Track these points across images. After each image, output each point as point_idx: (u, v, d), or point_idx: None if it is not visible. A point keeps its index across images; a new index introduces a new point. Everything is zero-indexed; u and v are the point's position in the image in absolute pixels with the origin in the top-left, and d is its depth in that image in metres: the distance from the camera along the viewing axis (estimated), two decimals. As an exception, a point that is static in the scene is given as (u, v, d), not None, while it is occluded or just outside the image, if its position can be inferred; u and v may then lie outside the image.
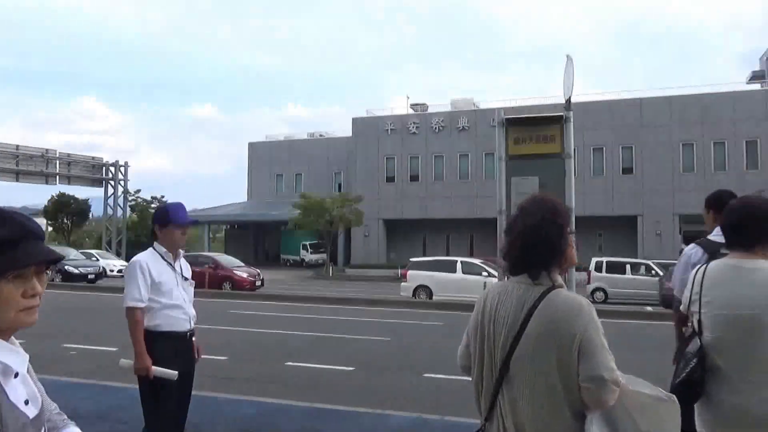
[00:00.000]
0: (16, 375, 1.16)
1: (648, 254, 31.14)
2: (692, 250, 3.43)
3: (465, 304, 16.63)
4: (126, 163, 39.13)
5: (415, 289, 18.97)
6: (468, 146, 36.60)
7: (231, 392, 6.39)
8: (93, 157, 38.20)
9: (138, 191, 43.44)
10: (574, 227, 1.99)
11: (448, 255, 31.50)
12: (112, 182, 38.45)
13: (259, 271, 23.21)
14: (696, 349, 2.38)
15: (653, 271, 20.07)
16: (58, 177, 35.41)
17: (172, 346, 3.54)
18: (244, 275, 21.76)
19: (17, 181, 33.49)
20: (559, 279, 1.94)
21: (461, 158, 37.04)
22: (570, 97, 5.12)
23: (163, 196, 42.65)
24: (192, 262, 3.99)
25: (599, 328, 1.84)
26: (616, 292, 19.93)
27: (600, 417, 1.83)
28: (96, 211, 45.32)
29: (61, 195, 42.48)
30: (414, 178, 38.06)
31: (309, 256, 40.32)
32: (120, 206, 39.18)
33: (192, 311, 3.71)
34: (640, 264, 21.50)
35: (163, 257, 3.63)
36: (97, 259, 29.58)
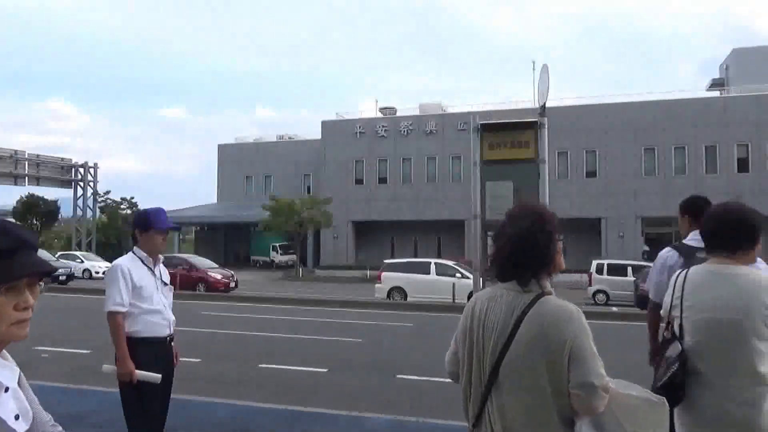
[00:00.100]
0: (7, 389, 1.14)
1: (611, 256, 31.98)
2: (668, 253, 3.45)
3: (435, 305, 16.99)
4: (95, 164, 38.80)
5: (390, 291, 18.98)
6: (436, 149, 37.09)
7: (203, 394, 6.32)
8: (62, 158, 37.82)
9: (107, 192, 42.97)
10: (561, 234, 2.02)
11: (416, 256, 31.90)
12: (82, 183, 38.03)
13: (233, 272, 23.21)
14: (677, 353, 2.40)
15: None
16: (27, 178, 35.11)
17: (152, 352, 3.52)
18: (218, 277, 21.76)
19: (-14, 182, 33.09)
20: (548, 285, 1.95)
21: (429, 161, 37.48)
22: (545, 104, 5.31)
23: (132, 198, 42.34)
24: (165, 263, 3.91)
25: (589, 335, 1.84)
26: (618, 294, 19.99)
27: (589, 422, 1.84)
28: (65, 212, 44.69)
29: (30, 196, 42.04)
30: (383, 180, 38.40)
31: (279, 258, 40.36)
32: (89, 207, 38.84)
33: (171, 316, 3.71)
34: (642, 266, 21.69)
35: (143, 262, 3.61)
36: (82, 261, 29.29)
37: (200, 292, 20.15)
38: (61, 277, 23.96)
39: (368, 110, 42.47)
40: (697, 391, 2.34)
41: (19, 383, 1.19)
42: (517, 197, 4.59)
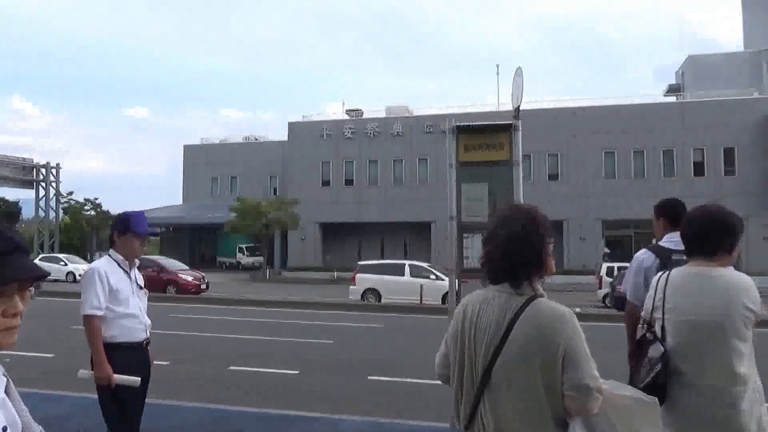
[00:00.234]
0: None
1: (573, 257, 32.76)
2: (644, 255, 3.48)
3: (404, 306, 17.09)
4: (58, 164, 37.93)
5: (364, 292, 18.90)
6: (402, 152, 37.34)
7: (174, 398, 6.19)
8: (24, 158, 36.92)
9: (71, 193, 41.89)
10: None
11: (383, 258, 32.05)
12: (44, 184, 37.16)
13: (204, 274, 22.91)
14: (660, 354, 2.42)
15: None
16: (-14, 178, 34.05)
17: (128, 357, 3.49)
18: (189, 279, 21.47)
19: (-54, 182, 32.05)
20: (540, 288, 1.96)
21: (396, 163, 37.71)
22: (519, 106, 5.42)
23: (96, 199, 41.31)
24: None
25: (582, 337, 1.85)
26: None
27: (581, 423, 1.85)
28: (27, 213, 43.54)
29: (-10, 196, 40.63)
30: (349, 182, 38.48)
31: (245, 259, 40.15)
32: (52, 208, 37.93)
33: (147, 320, 3.68)
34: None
35: (119, 265, 3.58)
36: (66, 264, 28.56)
37: (170, 294, 19.87)
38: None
39: (335, 112, 42.52)
40: (679, 392, 2.37)
41: (7, 392, 1.13)
42: (492, 199, 4.66)
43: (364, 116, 39.92)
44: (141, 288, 3.71)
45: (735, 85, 36.04)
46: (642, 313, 2.74)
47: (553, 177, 35.58)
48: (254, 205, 33.19)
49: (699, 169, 33.82)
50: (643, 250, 3.52)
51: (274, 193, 40.20)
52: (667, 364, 2.39)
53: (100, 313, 3.42)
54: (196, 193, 44.11)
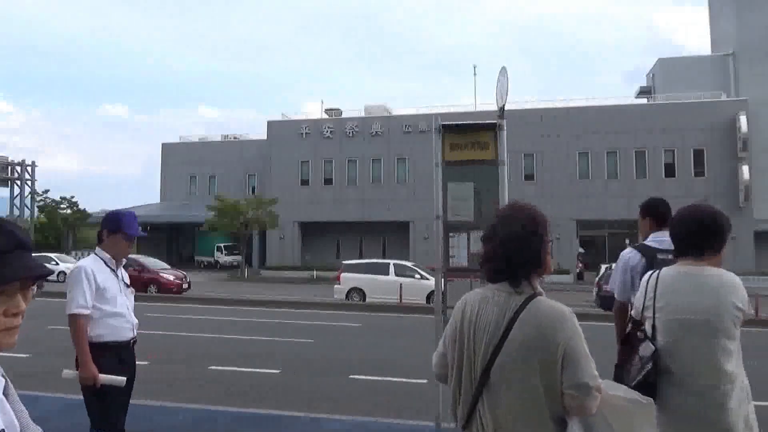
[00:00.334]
0: None
1: (548, 256, 33.24)
2: (630, 254, 3.49)
3: (384, 305, 17.12)
4: (33, 162, 37.49)
5: (349, 292, 18.85)
6: (381, 151, 37.60)
7: (153, 398, 6.04)
8: (-2, 156, 36.28)
9: (46, 191, 41.40)
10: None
11: (361, 257, 32.23)
12: (19, 182, 36.65)
13: (185, 273, 22.75)
14: (650, 353, 2.43)
15: None
16: (-40, 176, 33.50)
17: (115, 356, 3.45)
18: (171, 278, 21.30)
19: None
20: (539, 286, 1.96)
21: (374, 163, 37.95)
22: (504, 106, 5.29)
23: (73, 197, 40.83)
24: (115, 265, 3.70)
25: (582, 336, 1.85)
26: None
27: (579, 423, 1.86)
28: (2, 211, 42.72)
29: (-35, 195, 39.86)
30: (328, 181, 38.62)
31: (223, 258, 40.04)
32: (27, 207, 37.46)
33: (134, 319, 3.63)
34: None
35: (106, 264, 3.53)
36: (57, 263, 28.17)
37: (151, 294, 19.74)
38: None
39: (313, 111, 42.65)
40: (669, 390, 2.38)
41: (5, 393, 1.10)
42: (477, 199, 4.72)
43: (343, 116, 40.14)
44: (128, 287, 3.67)
45: (703, 87, 37.08)
46: (632, 312, 2.76)
47: (528, 177, 36.08)
48: (233, 204, 33.16)
49: (670, 170, 34.57)
50: (629, 249, 3.56)
51: (253, 191, 40.14)
52: (657, 363, 2.41)
53: (86, 312, 3.36)
54: (174, 192, 43.82)
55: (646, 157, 34.94)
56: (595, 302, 17.47)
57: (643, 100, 40.28)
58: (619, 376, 2.56)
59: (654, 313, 2.49)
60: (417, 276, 18.78)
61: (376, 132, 37.85)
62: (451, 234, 4.82)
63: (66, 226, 40.38)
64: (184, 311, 15.45)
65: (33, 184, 37.73)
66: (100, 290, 3.41)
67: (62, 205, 40.78)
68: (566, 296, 21.70)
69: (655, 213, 3.58)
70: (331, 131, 38.58)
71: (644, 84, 46.10)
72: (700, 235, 2.49)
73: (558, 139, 35.16)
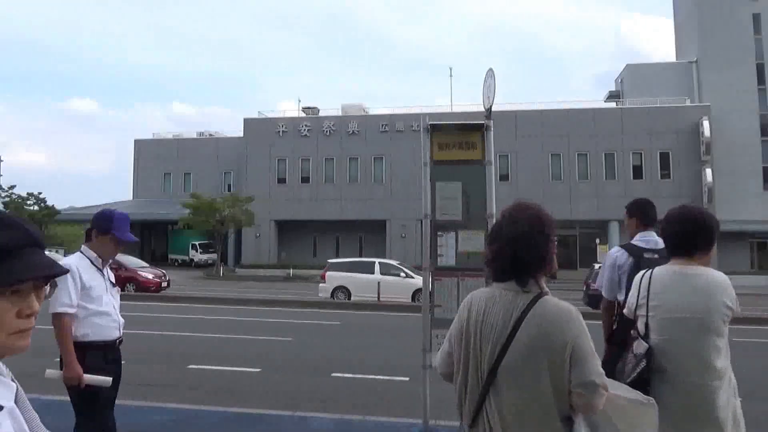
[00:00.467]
0: (1, 408, 1.00)
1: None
2: (617, 253, 3.52)
3: (362, 304, 17.15)
4: (-2, 157, 36.62)
5: (334, 290, 18.80)
6: (358, 150, 37.83)
7: (132, 398, 5.83)
8: (-40, 151, 35.52)
9: (12, 187, 40.60)
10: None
11: (338, 256, 32.48)
12: (-17, 177, 35.87)
13: (164, 272, 22.58)
14: (645, 350, 2.47)
15: None
16: None
17: (102, 356, 3.40)
18: (149, 276, 21.15)
19: None
20: (545, 286, 1.96)
21: (351, 161, 38.17)
22: (491, 107, 5.35)
23: (41, 193, 40.19)
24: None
25: (588, 335, 1.86)
26: None
27: (584, 422, 1.86)
28: (-34, 207, 41.78)
29: (-73, 190, 38.97)
30: (305, 179, 38.70)
31: (198, 256, 39.80)
32: (-8, 203, 36.68)
33: (121, 319, 3.57)
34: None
35: (92, 262, 3.47)
36: None
37: (129, 293, 19.43)
38: None
39: (289, 110, 42.74)
40: (661, 387, 2.41)
41: (16, 401, 1.06)
42: (465, 198, 4.76)
43: (321, 114, 40.29)
44: (114, 286, 3.63)
45: (669, 93, 38.22)
46: (624, 311, 2.80)
47: (503, 177, 36.65)
48: (209, 202, 33.06)
49: (637, 172, 35.53)
50: (616, 248, 3.63)
51: (229, 189, 40.08)
52: (651, 361, 2.45)
53: (71, 311, 3.29)
54: (147, 189, 43.44)
55: (615, 159, 35.83)
56: (583, 300, 17.73)
57: (613, 104, 41.31)
58: (607, 372, 2.74)
59: (648, 312, 2.53)
60: (402, 274, 18.83)
61: (354, 131, 38.09)
62: (439, 233, 4.83)
63: (33, 223, 39.76)
64: (162, 310, 15.27)
65: (-2, 179, 37.00)
66: (86, 289, 3.35)
67: (29, 202, 40.13)
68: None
69: (642, 213, 3.64)
70: (308, 129, 38.67)
71: (613, 89, 47.24)
72: (691, 236, 2.53)
73: (531, 141, 35.75)
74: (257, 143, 38.79)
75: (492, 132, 4.88)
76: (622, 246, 3.61)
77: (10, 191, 40.48)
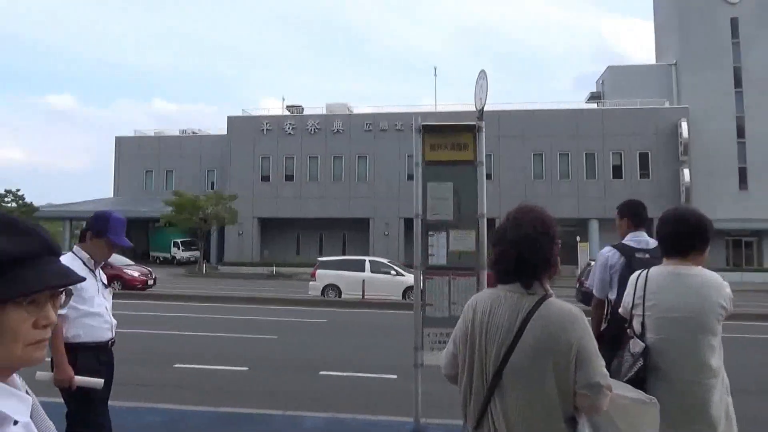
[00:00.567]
0: (15, 423, 0.95)
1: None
2: (609, 253, 3.56)
3: (347, 302, 17.23)
4: (-26, 153, 36.11)
5: (324, 288, 18.74)
6: (342, 149, 37.92)
7: (121, 399, 5.87)
8: (-64, 147, 34.98)
9: (-12, 183, 40.06)
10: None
11: (321, 254, 32.51)
12: (-41, 174, 35.33)
13: (151, 269, 22.45)
14: (641, 349, 2.50)
15: None
16: None
17: (94, 357, 3.38)
18: (136, 274, 21.02)
19: None
20: (550, 288, 1.97)
21: (335, 160, 38.24)
22: (483, 108, 5.40)
23: (19, 190, 39.74)
24: (77, 260, 3.58)
25: (592, 336, 1.88)
26: None
27: (587, 422, 1.88)
28: (-60, 204, 41.17)
29: None
30: (289, 177, 38.69)
31: (180, 254, 39.61)
32: (-32, 200, 36.15)
33: (113, 320, 3.56)
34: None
35: (84, 263, 3.43)
36: None
37: (115, 290, 19.45)
38: None
39: (273, 107, 42.66)
40: (657, 385, 2.44)
41: (32, 414, 1.01)
42: (456, 198, 4.80)
43: (305, 113, 40.31)
44: (106, 287, 3.61)
45: (649, 94, 38.80)
46: (620, 310, 2.84)
47: (487, 177, 36.83)
48: (192, 200, 32.90)
49: (617, 171, 36.09)
50: (608, 248, 3.66)
51: (212, 187, 39.93)
52: (647, 359, 2.48)
53: (62, 311, 3.18)
54: (128, 187, 43.10)
55: (595, 159, 36.33)
56: (576, 297, 17.93)
57: (594, 105, 41.84)
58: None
59: (644, 311, 2.56)
60: (392, 272, 18.87)
61: (338, 130, 38.15)
62: (430, 233, 4.86)
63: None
64: (148, 308, 15.13)
65: (-24, 176, 36.50)
66: (78, 290, 3.28)
67: (6, 199, 39.70)
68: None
69: (633, 214, 3.68)
70: (292, 128, 38.66)
71: (594, 90, 47.81)
72: (686, 236, 2.57)
73: (514, 141, 36.08)
74: (241, 141, 38.67)
75: (483, 133, 4.92)
76: (613, 246, 3.66)
77: (-14, 187, 39.94)
